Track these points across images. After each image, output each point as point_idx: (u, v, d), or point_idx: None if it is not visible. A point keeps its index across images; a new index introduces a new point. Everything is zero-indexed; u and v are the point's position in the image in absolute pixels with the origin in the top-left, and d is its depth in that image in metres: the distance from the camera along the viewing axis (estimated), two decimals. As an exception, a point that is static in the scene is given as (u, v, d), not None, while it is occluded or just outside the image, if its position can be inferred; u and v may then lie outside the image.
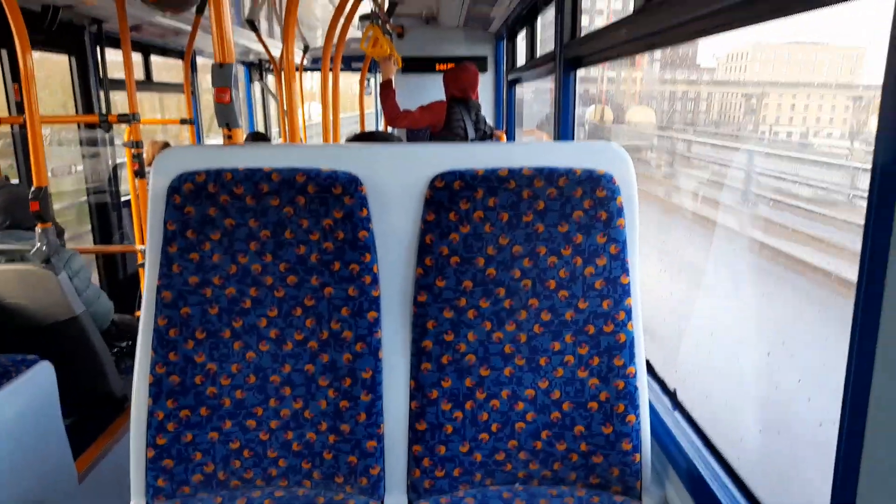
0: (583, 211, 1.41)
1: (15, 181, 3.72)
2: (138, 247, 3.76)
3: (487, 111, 6.02)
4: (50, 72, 4.74)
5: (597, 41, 2.45)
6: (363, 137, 3.79)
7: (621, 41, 2.13)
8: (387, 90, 4.24)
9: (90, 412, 2.78)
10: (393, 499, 1.48)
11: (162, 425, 1.43)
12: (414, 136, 5.91)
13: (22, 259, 2.54)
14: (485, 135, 4.28)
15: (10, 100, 3.74)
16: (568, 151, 1.48)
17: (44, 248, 2.47)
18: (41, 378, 2.22)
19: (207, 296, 1.43)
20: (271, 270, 1.44)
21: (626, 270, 1.42)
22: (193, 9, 3.89)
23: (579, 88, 2.90)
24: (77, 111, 4.36)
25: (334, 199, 1.43)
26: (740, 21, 1.45)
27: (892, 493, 0.80)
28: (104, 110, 4.32)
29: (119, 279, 4.61)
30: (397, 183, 1.48)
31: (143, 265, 3.67)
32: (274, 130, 8.64)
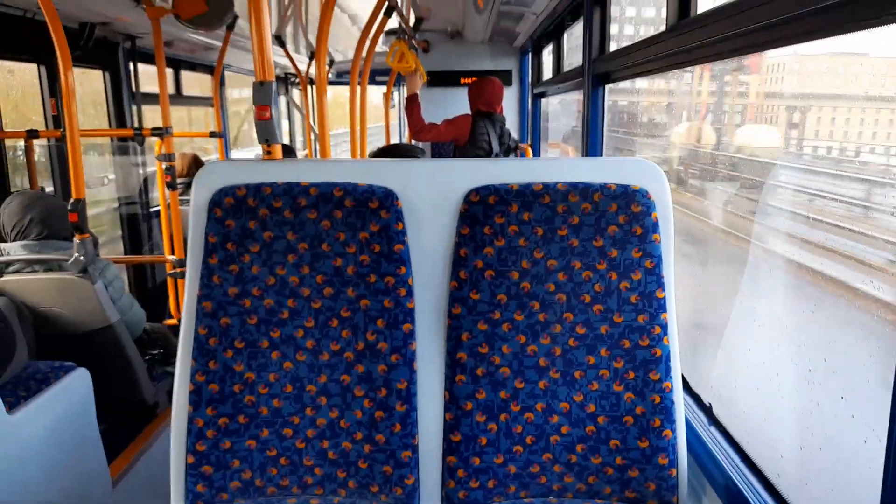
0: (617, 226, 1.42)
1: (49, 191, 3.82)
2: (168, 257, 3.84)
3: (512, 125, 6.05)
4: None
5: (626, 58, 2.47)
6: (388, 151, 3.84)
7: (651, 58, 2.14)
8: (412, 104, 4.29)
9: (122, 418, 2.84)
10: None
11: (202, 432, 1.46)
12: (438, 150, 5.95)
13: (60, 268, 2.60)
14: (509, 149, 4.30)
15: (47, 114, 3.85)
16: (601, 167, 1.50)
17: (81, 257, 2.53)
18: (78, 384, 2.27)
19: (246, 306, 1.47)
20: (308, 282, 1.47)
21: (661, 285, 1.43)
22: (224, 25, 3.98)
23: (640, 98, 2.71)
24: (110, 125, 4.47)
25: (371, 213, 1.46)
26: (772, 42, 1.46)
27: None
28: (137, 124, 4.43)
29: (148, 288, 4.69)
30: (432, 197, 1.50)
31: (172, 275, 3.74)
32: (298, 142, 8.75)
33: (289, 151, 5.75)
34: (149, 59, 4.29)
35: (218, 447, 1.46)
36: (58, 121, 3.78)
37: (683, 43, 1.84)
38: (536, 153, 5.62)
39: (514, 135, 4.72)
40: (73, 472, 2.20)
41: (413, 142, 5.57)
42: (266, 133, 1.67)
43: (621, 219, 1.42)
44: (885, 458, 0.91)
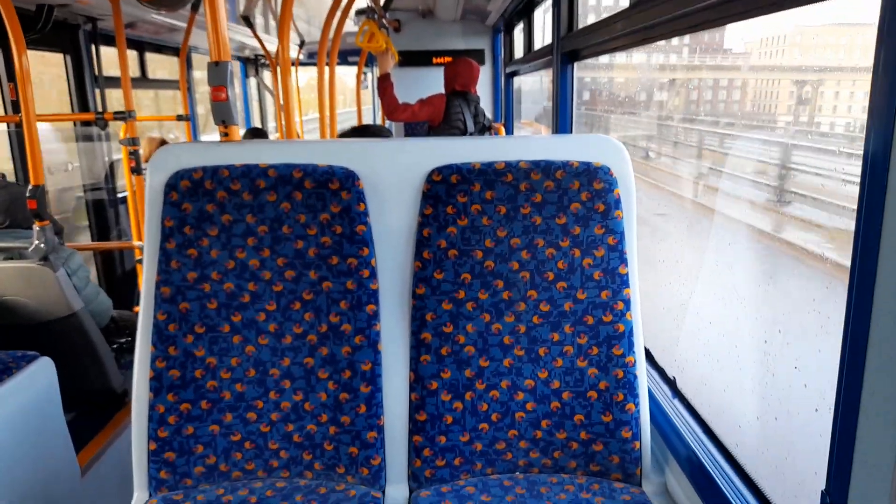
0: (580, 203, 1.42)
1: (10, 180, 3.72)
2: (136, 243, 3.77)
3: (485, 104, 6.01)
4: (40, 70, 4.73)
5: (593, 34, 2.45)
6: (357, 132, 3.80)
7: (617, 34, 2.13)
8: (385, 83, 4.24)
9: (90, 408, 2.80)
10: (394, 488, 1.49)
11: (163, 419, 1.44)
12: (412, 130, 5.91)
13: (20, 256, 2.54)
14: (484, 128, 4.29)
15: (5, 99, 3.74)
16: (564, 144, 1.49)
17: (42, 245, 2.47)
18: (42, 374, 2.22)
19: (206, 291, 1.44)
20: (269, 265, 1.45)
21: (624, 261, 1.43)
22: (189, 6, 3.88)
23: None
24: (73, 109, 4.36)
25: (331, 194, 1.44)
26: (737, 15, 1.46)
27: (885, 478, 0.82)
28: (100, 108, 4.32)
29: (117, 275, 4.62)
30: (394, 177, 1.49)
31: (140, 261, 3.68)
32: (271, 126, 8.63)
33: (260, 134, 5.66)
34: (111, 41, 4.18)
35: (181, 433, 1.45)
36: (17, 106, 3.67)
37: (649, 18, 1.83)
38: (510, 132, 5.60)
39: (489, 115, 4.70)
40: (40, 462, 2.16)
41: (387, 122, 5.52)
42: (223, 114, 1.64)
43: (584, 196, 1.42)
44: (832, 426, 0.92)
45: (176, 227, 1.43)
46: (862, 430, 0.85)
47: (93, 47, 4.26)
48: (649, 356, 1.88)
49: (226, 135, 1.68)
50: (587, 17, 2.89)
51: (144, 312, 1.45)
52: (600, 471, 1.47)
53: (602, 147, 1.47)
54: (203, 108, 6.54)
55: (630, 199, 1.46)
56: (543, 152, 1.47)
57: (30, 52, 2.53)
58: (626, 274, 1.44)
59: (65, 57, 4.22)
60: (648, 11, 1.81)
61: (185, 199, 1.42)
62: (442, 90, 4.28)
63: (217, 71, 1.60)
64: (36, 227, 2.48)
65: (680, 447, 1.49)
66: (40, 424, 2.18)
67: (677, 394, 1.70)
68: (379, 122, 7.12)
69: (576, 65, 2.89)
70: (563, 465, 1.48)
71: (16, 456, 2.03)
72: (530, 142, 1.53)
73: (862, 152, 0.84)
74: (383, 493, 1.48)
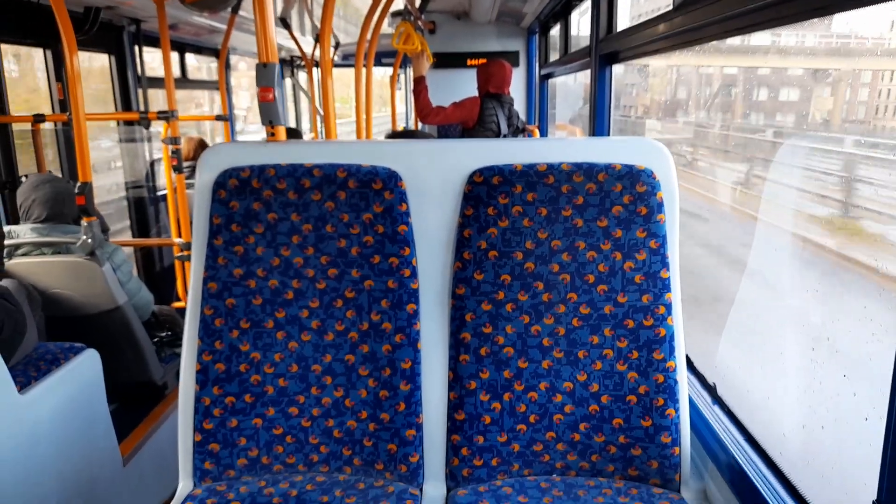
0: (622, 206, 1.42)
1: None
2: (175, 240, 3.86)
3: (519, 107, 6.00)
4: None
5: (633, 37, 2.44)
6: (398, 135, 3.83)
7: (659, 37, 2.12)
8: (419, 86, 4.26)
9: (132, 399, 2.87)
10: (431, 486, 1.51)
11: (208, 411, 1.47)
12: (445, 132, 5.92)
13: (68, 251, 2.63)
14: (517, 130, 4.28)
15: (53, 98, 3.85)
16: (606, 147, 1.49)
17: (89, 240, 2.55)
18: (87, 365, 2.29)
19: (251, 287, 1.47)
20: (313, 263, 1.47)
21: (666, 265, 1.42)
22: (229, 8, 3.95)
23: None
24: (116, 109, 4.47)
25: (374, 194, 1.46)
26: (781, 19, 1.44)
27: None
28: (143, 108, 4.43)
29: (156, 271, 4.72)
30: (436, 178, 1.50)
31: (179, 257, 3.76)
32: (305, 126, 8.73)
33: (295, 134, 5.74)
34: (154, 42, 4.28)
35: (225, 425, 1.48)
36: (64, 105, 3.78)
37: (691, 21, 1.82)
38: (544, 135, 5.58)
39: (522, 116, 4.69)
40: (84, 451, 2.23)
41: (420, 126, 5.54)
42: (269, 115, 1.67)
43: (626, 199, 1.42)
44: (885, 435, 0.90)
45: (223, 225, 1.46)
46: None
47: (136, 48, 4.37)
48: (689, 361, 1.86)
49: (272, 134, 1.71)
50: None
51: (192, 307, 1.49)
52: (638, 476, 1.46)
53: (645, 150, 1.46)
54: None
55: (673, 203, 1.45)
56: (586, 154, 1.47)
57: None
58: (668, 278, 1.43)
59: (109, 57, 4.34)
60: (692, 13, 1.80)
61: (233, 197, 1.46)
62: (475, 92, 4.29)
63: (265, 72, 1.64)
64: (84, 222, 2.56)
65: (720, 454, 1.47)
66: (85, 414, 2.25)
67: (717, 400, 1.68)
68: (412, 125, 7.15)
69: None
70: (601, 469, 1.48)
71: (62, 443, 2.10)
72: (572, 144, 1.53)
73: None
74: (421, 490, 1.49)
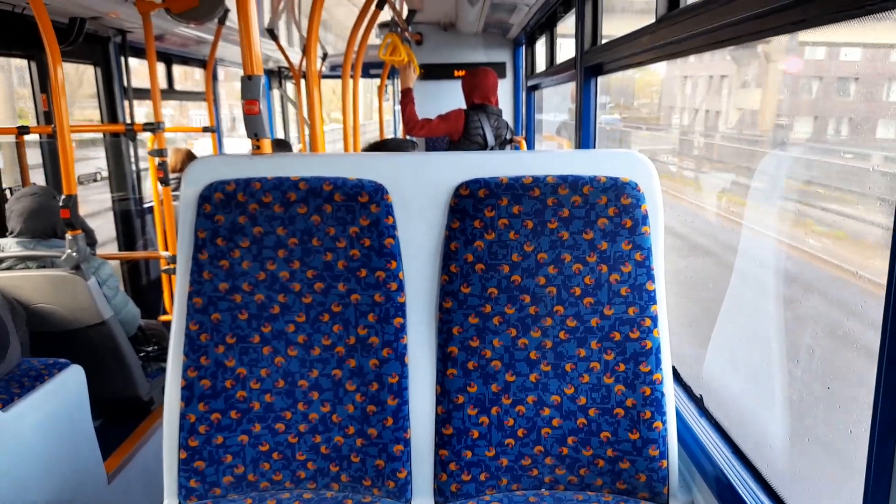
0: (607, 218, 1.42)
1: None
2: (162, 253, 3.83)
3: (506, 118, 6.02)
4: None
5: (618, 49, 2.46)
6: (380, 145, 3.82)
7: (642, 49, 2.14)
8: (406, 98, 4.27)
9: (117, 415, 2.84)
10: (420, 502, 1.50)
11: (193, 428, 1.46)
12: (433, 144, 5.94)
13: (53, 265, 2.60)
14: (505, 141, 4.29)
15: (38, 110, 3.82)
16: (591, 159, 1.50)
17: (74, 254, 2.53)
18: (72, 381, 2.27)
19: (237, 302, 1.46)
20: (299, 277, 1.47)
21: (651, 277, 1.43)
22: (216, 19, 3.95)
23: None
24: (102, 120, 4.45)
25: (360, 208, 1.46)
26: (762, 32, 1.46)
27: None
28: (129, 119, 4.41)
29: (143, 285, 4.68)
30: (422, 191, 1.50)
31: (166, 271, 3.74)
32: (293, 136, 8.73)
33: (283, 146, 5.73)
34: (140, 53, 4.27)
35: (210, 442, 1.46)
36: (49, 116, 3.75)
37: (674, 33, 1.84)
38: (531, 146, 5.61)
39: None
40: (69, 468, 2.20)
41: (407, 136, 5.55)
42: (255, 127, 1.67)
43: (611, 211, 1.42)
44: (868, 447, 0.91)
45: (209, 239, 1.45)
46: None
47: (122, 59, 4.35)
48: (675, 374, 1.87)
49: (257, 147, 1.70)
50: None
51: (177, 322, 1.48)
52: (627, 489, 1.46)
53: (629, 162, 1.47)
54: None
55: (657, 215, 1.46)
56: (570, 167, 1.47)
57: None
58: (654, 290, 1.44)
59: (95, 69, 4.32)
60: (675, 26, 1.82)
61: (218, 211, 1.45)
62: (462, 103, 4.31)
63: (250, 84, 1.64)
64: (68, 236, 2.53)
65: (708, 466, 1.48)
66: (70, 430, 2.22)
67: (704, 412, 1.69)
68: (399, 135, 7.17)
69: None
70: (590, 483, 1.47)
71: (46, 460, 2.07)
72: (558, 156, 1.54)
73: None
74: None
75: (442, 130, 4.20)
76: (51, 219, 2.67)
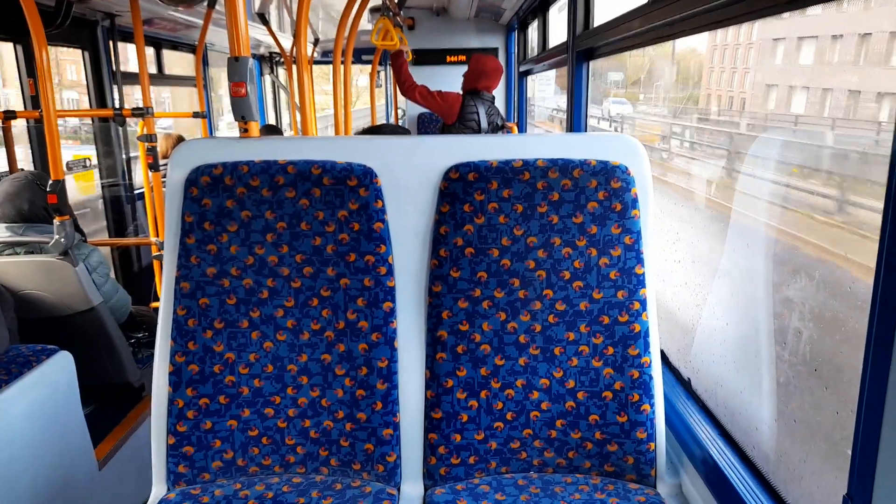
0: (597, 202, 1.42)
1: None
2: (153, 239, 3.81)
3: (499, 103, 6.00)
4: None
5: (609, 32, 2.44)
6: (373, 130, 3.80)
7: (634, 32, 2.12)
8: (398, 60, 4.19)
9: (108, 401, 2.83)
10: (409, 485, 1.50)
11: (182, 413, 1.45)
12: (425, 128, 5.91)
13: (41, 251, 2.58)
14: (497, 127, 4.28)
15: (25, 94, 3.78)
16: (582, 143, 1.49)
17: (62, 240, 2.50)
18: (61, 368, 2.25)
19: (225, 286, 1.45)
20: (287, 261, 1.46)
21: (640, 261, 1.43)
22: (205, 3, 3.90)
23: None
24: (91, 105, 4.40)
25: (349, 191, 1.44)
26: (755, 13, 1.45)
27: None
28: (118, 104, 4.36)
29: (133, 271, 4.66)
30: (412, 175, 1.49)
31: (157, 257, 3.71)
32: (285, 122, 8.67)
33: (275, 131, 5.69)
34: (129, 37, 4.21)
35: (199, 428, 1.46)
36: (36, 101, 3.71)
37: (665, 15, 1.82)
38: (523, 131, 5.59)
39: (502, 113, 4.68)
40: (59, 454, 2.19)
41: (401, 121, 5.51)
42: (242, 110, 1.65)
43: (601, 195, 1.42)
44: (855, 429, 0.91)
45: (196, 223, 1.44)
46: (886, 433, 0.85)
47: (111, 44, 4.30)
48: (664, 357, 1.87)
49: (245, 130, 1.68)
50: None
51: (164, 307, 1.47)
52: (615, 471, 1.46)
53: (620, 145, 1.46)
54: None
55: (647, 199, 1.45)
56: (561, 151, 1.46)
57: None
58: (643, 274, 1.43)
59: (83, 53, 4.26)
60: (665, 9, 1.80)
61: (205, 195, 1.44)
62: (455, 88, 4.27)
63: (236, 66, 1.61)
64: (56, 221, 2.51)
65: (695, 449, 1.48)
66: (59, 417, 2.21)
67: (692, 395, 1.69)
68: (392, 119, 7.13)
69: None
70: (578, 466, 1.48)
71: (35, 448, 2.06)
72: (548, 140, 1.52)
73: None
74: (398, 490, 1.48)
75: (437, 106, 4.15)
76: (28, 202, 2.64)
